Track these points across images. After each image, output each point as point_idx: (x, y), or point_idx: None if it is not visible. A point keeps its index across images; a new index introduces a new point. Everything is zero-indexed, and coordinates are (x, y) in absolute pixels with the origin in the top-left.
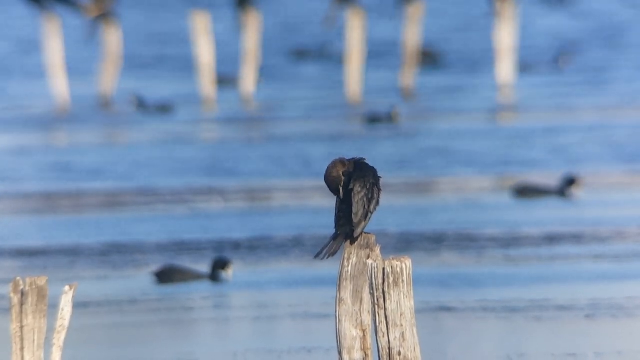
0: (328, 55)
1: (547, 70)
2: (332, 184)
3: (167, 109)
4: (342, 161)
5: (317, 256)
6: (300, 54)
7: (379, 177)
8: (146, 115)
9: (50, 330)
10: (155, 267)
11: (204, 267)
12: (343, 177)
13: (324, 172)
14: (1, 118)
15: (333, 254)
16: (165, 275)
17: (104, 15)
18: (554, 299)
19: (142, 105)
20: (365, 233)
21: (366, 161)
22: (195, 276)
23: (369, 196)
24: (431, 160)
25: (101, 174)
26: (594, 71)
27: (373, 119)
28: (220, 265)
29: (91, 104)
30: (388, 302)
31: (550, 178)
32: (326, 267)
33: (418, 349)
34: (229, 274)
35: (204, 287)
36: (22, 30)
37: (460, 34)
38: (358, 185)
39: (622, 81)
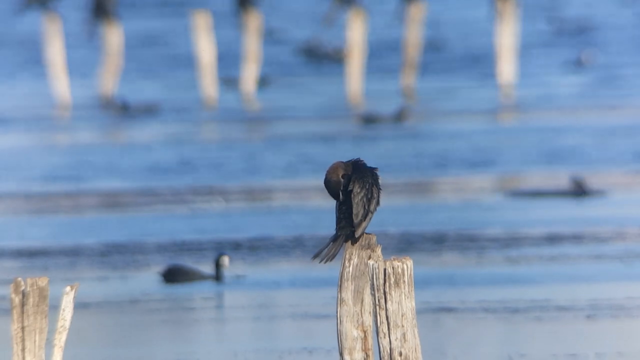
0: (329, 55)
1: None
2: (332, 188)
3: (153, 109)
4: (341, 165)
5: (315, 257)
6: (302, 54)
7: (378, 175)
8: (130, 118)
9: (52, 331)
10: (159, 267)
11: (205, 268)
12: (343, 181)
13: (324, 177)
14: (2, 118)
15: (332, 257)
16: (171, 275)
17: None
18: (555, 299)
19: (125, 108)
20: (366, 233)
21: (364, 161)
22: (201, 276)
23: (369, 196)
24: (432, 160)
25: (102, 174)
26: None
27: (372, 119)
28: (218, 261)
29: (93, 104)
30: (389, 302)
31: (550, 178)
32: (327, 268)
33: (419, 350)
34: (225, 263)
35: (205, 287)
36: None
37: (462, 33)
38: (357, 186)
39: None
